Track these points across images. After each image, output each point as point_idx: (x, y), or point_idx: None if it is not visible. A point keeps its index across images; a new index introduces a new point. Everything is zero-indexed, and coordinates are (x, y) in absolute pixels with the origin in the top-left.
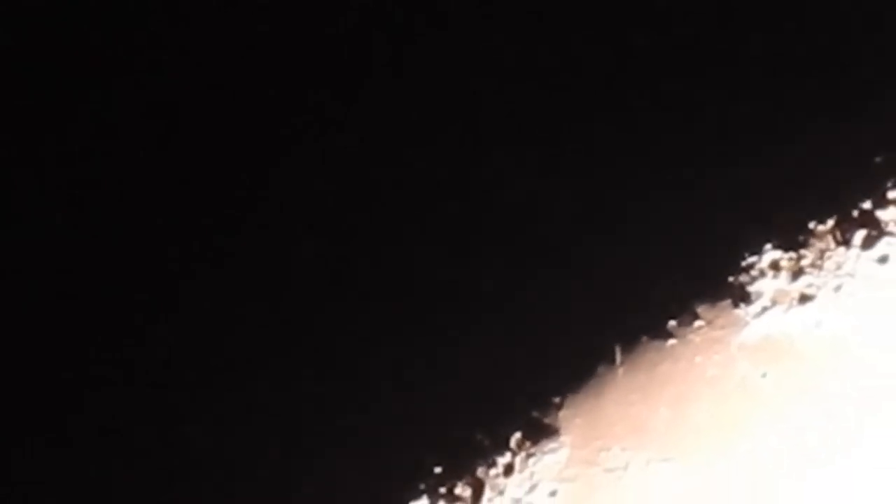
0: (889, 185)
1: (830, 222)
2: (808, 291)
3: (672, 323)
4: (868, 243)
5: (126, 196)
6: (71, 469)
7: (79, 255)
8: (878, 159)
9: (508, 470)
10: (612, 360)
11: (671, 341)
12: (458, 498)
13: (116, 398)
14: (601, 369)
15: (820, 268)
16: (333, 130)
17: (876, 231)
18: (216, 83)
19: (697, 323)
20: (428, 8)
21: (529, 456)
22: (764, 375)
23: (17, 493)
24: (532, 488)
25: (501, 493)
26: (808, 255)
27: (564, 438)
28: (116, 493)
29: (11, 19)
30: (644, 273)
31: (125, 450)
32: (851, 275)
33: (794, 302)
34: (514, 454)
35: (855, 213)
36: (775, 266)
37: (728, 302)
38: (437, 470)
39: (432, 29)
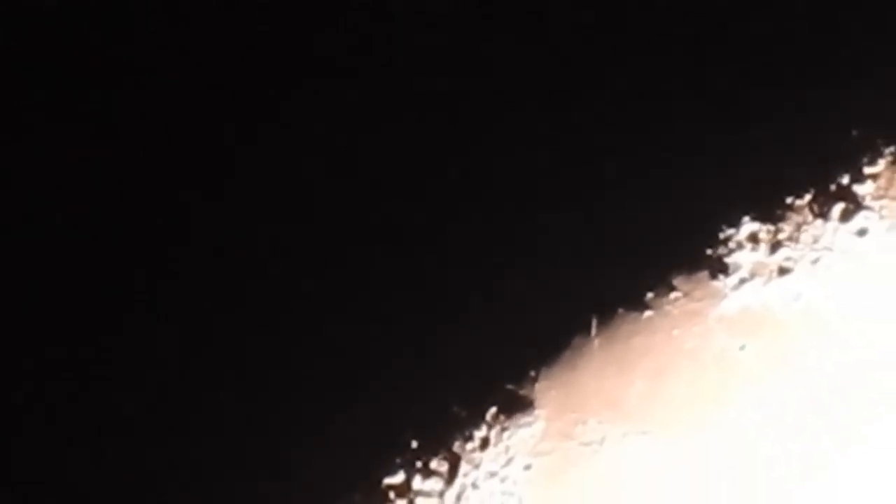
0: (866, 159)
1: (808, 196)
2: (786, 264)
3: (649, 295)
4: (845, 217)
5: (125, 196)
6: (71, 469)
7: (78, 254)
8: (855, 133)
9: (484, 444)
10: (589, 333)
11: (648, 313)
12: (435, 472)
13: (116, 397)
14: (577, 342)
15: (797, 241)
16: (333, 130)
17: (853, 205)
18: (216, 83)
19: (675, 295)
20: (428, 8)
21: (505, 429)
22: (742, 348)
23: (17, 493)
24: (508, 462)
25: (477, 467)
26: (786, 229)
27: (540, 412)
28: (117, 492)
29: (11, 19)
30: (621, 245)
31: (125, 449)
32: (829, 248)
33: (773, 274)
34: (490, 428)
35: (832, 187)
36: (753, 238)
37: (706, 274)
38: (414, 444)
39: (432, 30)
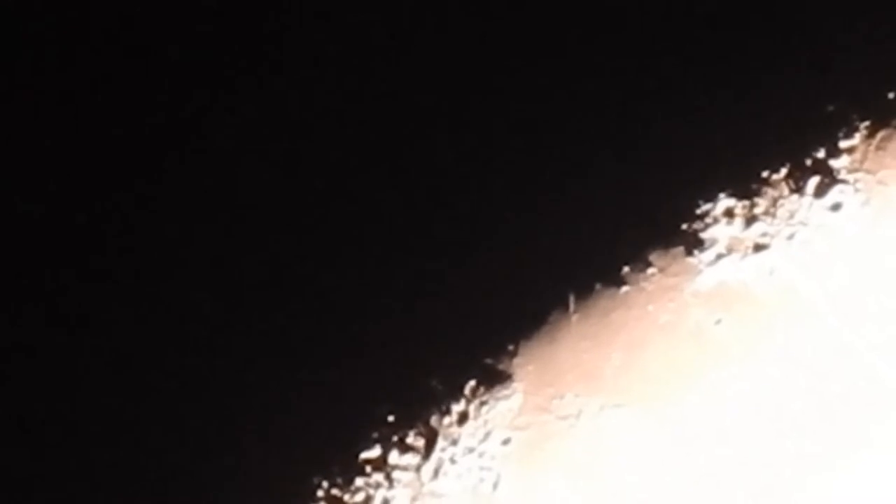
0: (842, 133)
1: (784, 171)
2: (762, 240)
3: (625, 270)
4: (821, 191)
5: (123, 198)
6: (71, 468)
7: (75, 256)
8: (830, 108)
9: (462, 418)
10: (566, 308)
11: (624, 288)
12: (412, 447)
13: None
14: (554, 316)
15: (773, 216)
16: (333, 129)
17: (829, 179)
18: (217, 84)
19: (650, 270)
20: (434, 8)
21: (483, 404)
22: (717, 322)
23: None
24: (485, 437)
25: (455, 442)
26: (762, 203)
27: (517, 385)
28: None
29: (11, 19)
30: (597, 220)
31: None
32: (804, 223)
33: (748, 250)
34: (468, 402)
35: (808, 162)
36: (729, 214)
37: (681, 249)
38: (391, 419)
39: (435, 29)
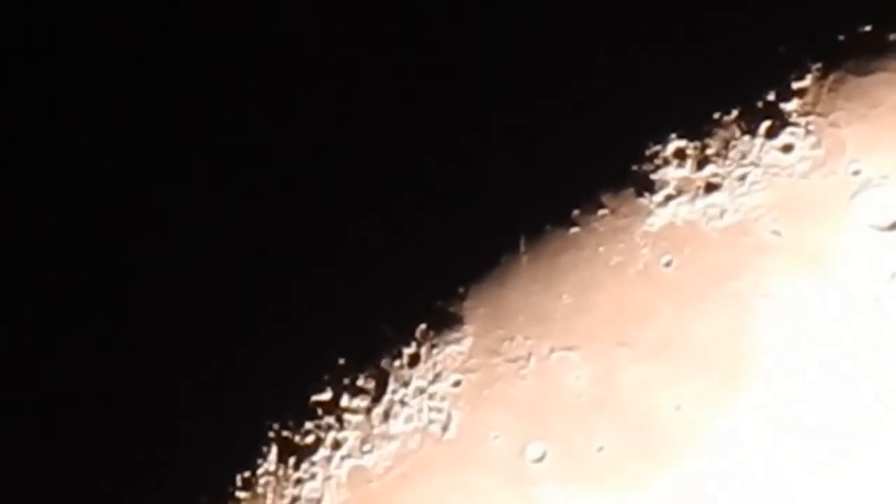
0: (793, 75)
1: (735, 112)
2: (713, 180)
3: (575, 212)
4: (772, 133)
5: (125, 205)
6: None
7: (76, 255)
8: (781, 49)
9: (413, 361)
10: (516, 250)
11: (574, 230)
12: (363, 389)
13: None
14: (505, 259)
15: (724, 157)
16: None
17: (780, 121)
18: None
19: (601, 211)
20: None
21: (433, 346)
22: (667, 264)
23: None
24: (436, 378)
25: (406, 384)
26: (713, 144)
27: (468, 328)
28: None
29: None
30: (548, 161)
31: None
32: (756, 164)
33: (699, 191)
34: (419, 345)
35: (759, 104)
36: (680, 155)
37: (632, 190)
38: (342, 361)
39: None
